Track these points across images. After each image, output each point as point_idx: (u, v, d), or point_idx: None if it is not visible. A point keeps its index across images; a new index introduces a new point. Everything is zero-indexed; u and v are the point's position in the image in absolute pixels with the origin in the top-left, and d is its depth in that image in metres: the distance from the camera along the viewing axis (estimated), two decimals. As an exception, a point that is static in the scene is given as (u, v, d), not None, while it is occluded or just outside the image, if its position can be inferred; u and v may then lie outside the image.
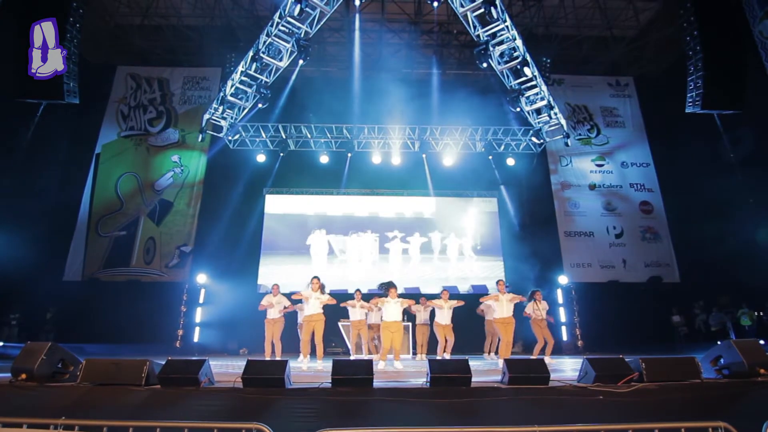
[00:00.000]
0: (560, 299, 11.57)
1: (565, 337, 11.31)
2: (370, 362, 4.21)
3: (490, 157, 12.63)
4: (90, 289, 11.21)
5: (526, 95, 10.52)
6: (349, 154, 12.57)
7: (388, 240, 12.45)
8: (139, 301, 10.91)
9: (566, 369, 6.40)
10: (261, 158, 12.36)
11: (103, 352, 7.82)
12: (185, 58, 13.25)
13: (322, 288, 6.82)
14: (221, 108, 10.91)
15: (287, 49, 9.89)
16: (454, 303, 7.66)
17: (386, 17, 12.50)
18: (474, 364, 4.73)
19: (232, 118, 11.23)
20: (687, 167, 12.08)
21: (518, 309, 7.48)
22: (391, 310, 6.93)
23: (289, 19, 9.27)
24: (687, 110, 10.50)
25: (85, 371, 4.06)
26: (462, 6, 9.23)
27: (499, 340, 7.67)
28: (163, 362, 4.11)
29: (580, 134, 13.33)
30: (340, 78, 14.04)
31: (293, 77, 10.99)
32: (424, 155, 12.65)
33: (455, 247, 12.55)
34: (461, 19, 9.63)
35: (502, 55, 9.85)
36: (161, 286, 11.45)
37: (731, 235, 10.60)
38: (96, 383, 3.98)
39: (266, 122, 12.06)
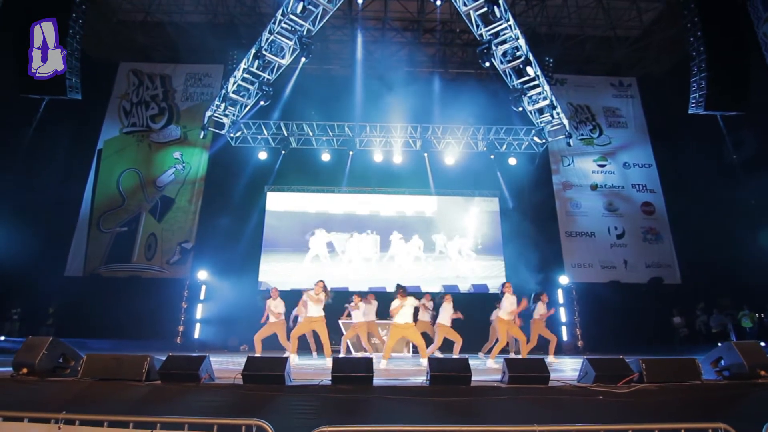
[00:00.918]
0: (561, 299, 11.57)
1: (565, 337, 11.31)
2: (370, 360, 4.21)
3: (492, 157, 12.61)
4: (91, 285, 11.23)
5: (528, 95, 10.50)
6: (351, 153, 12.57)
7: (388, 238, 12.44)
8: (140, 297, 10.92)
9: (566, 369, 6.39)
10: (262, 156, 12.36)
11: (103, 347, 7.83)
12: (187, 54, 13.24)
13: (324, 289, 6.93)
14: (223, 105, 10.91)
15: (290, 47, 9.89)
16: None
17: (389, 15, 12.47)
18: (474, 363, 4.73)
19: (234, 115, 11.23)
20: (689, 168, 12.06)
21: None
22: (404, 312, 6.91)
23: (291, 16, 9.26)
24: (690, 111, 10.47)
25: (86, 366, 4.07)
26: (465, 5, 9.21)
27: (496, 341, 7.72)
28: (164, 358, 4.12)
29: (582, 134, 13.31)
30: (342, 76, 14.02)
31: (295, 75, 10.97)
32: (425, 154, 12.63)
33: (456, 246, 12.54)
34: (464, 17, 9.61)
35: (504, 54, 9.83)
36: (162, 282, 11.47)
37: (733, 237, 10.57)
38: (97, 378, 4.00)
39: (268, 120, 12.06)
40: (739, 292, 10.92)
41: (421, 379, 4.54)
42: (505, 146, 12.61)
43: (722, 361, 4.38)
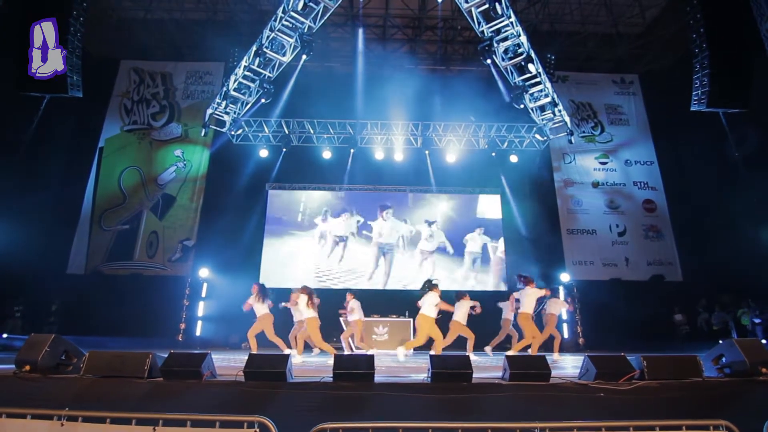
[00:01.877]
0: (562, 297, 11.55)
1: (566, 335, 11.31)
2: (371, 357, 4.22)
3: (494, 154, 12.59)
4: (93, 283, 11.26)
5: (530, 92, 10.47)
6: (352, 150, 12.56)
7: (387, 236, 12.44)
8: (142, 294, 10.96)
9: (567, 366, 6.40)
10: (264, 153, 12.36)
11: (105, 344, 7.86)
12: (188, 52, 13.24)
13: (310, 295, 7.11)
14: (224, 103, 10.90)
15: (290, 44, 9.87)
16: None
17: (390, 12, 12.44)
18: (475, 359, 4.74)
19: (235, 113, 11.23)
20: (691, 166, 12.03)
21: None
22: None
23: (292, 13, 9.24)
24: (692, 108, 10.41)
25: (89, 363, 4.08)
26: (466, 2, 9.18)
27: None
28: (166, 355, 4.14)
29: (584, 132, 13.27)
30: (343, 73, 13.99)
31: (296, 72, 10.96)
32: (427, 152, 12.62)
33: (457, 243, 12.53)
34: (465, 14, 9.58)
35: (506, 51, 9.80)
36: (164, 279, 11.50)
37: (735, 235, 10.55)
38: (99, 375, 4.01)
39: (269, 117, 12.06)
40: (740, 289, 10.89)
41: (423, 376, 4.55)
42: (506, 144, 12.58)
43: (723, 359, 4.37)
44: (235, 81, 10.42)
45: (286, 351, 7.07)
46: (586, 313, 11.29)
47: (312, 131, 12.46)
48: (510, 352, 7.52)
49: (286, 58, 10.15)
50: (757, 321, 10.40)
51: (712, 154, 11.50)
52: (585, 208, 12.65)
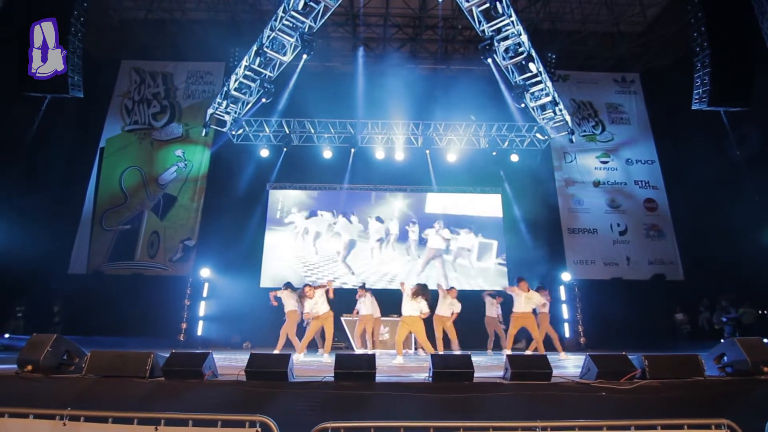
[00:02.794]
0: (563, 296, 11.57)
1: (567, 334, 11.32)
2: (372, 356, 4.22)
3: (494, 154, 12.58)
4: (94, 283, 11.27)
5: (530, 91, 10.46)
6: (353, 150, 12.56)
7: (389, 235, 12.44)
8: (143, 294, 10.98)
9: (568, 365, 6.39)
10: (264, 153, 12.37)
11: (107, 344, 7.88)
12: (189, 52, 13.23)
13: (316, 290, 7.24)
14: (225, 102, 10.91)
15: (291, 44, 9.87)
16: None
17: (390, 12, 12.43)
18: (477, 360, 4.73)
19: (235, 112, 11.23)
20: (692, 165, 11.98)
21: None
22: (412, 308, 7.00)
23: (293, 13, 9.24)
24: (693, 107, 10.39)
25: (90, 363, 4.09)
26: (467, 1, 9.17)
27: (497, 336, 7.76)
28: (167, 355, 4.14)
29: (584, 131, 13.25)
30: (343, 73, 14.00)
31: (297, 72, 10.96)
32: (427, 151, 12.62)
33: (457, 242, 12.52)
34: (466, 14, 9.57)
35: (507, 50, 9.79)
36: (165, 279, 11.51)
37: (736, 234, 10.53)
38: (101, 375, 4.01)
39: (270, 117, 12.06)
40: (742, 288, 10.87)
41: (424, 376, 4.55)
42: (507, 143, 12.58)
43: (725, 358, 4.36)
44: (235, 81, 10.42)
45: (301, 353, 7.12)
46: (587, 313, 11.29)
47: (312, 131, 12.46)
48: (510, 352, 7.54)
49: (287, 58, 10.15)
50: (724, 320, 10.44)
51: (713, 153, 11.48)
52: (586, 208, 12.64)
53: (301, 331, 7.79)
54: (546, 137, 12.02)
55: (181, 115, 12.98)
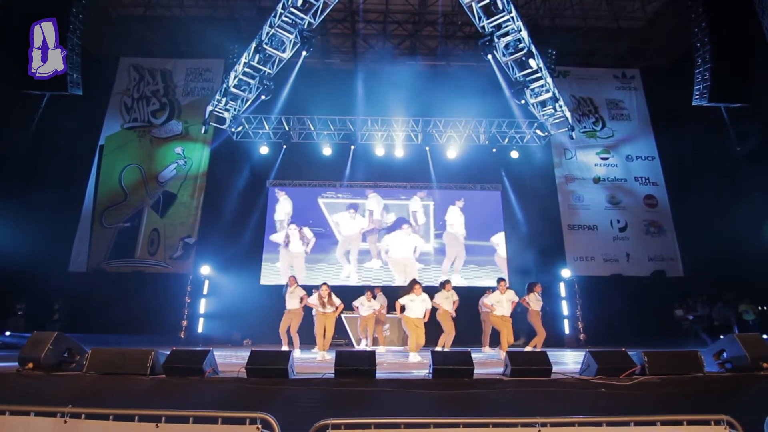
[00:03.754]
0: (563, 292, 11.58)
1: (567, 331, 11.34)
2: (373, 353, 4.23)
3: (494, 150, 12.56)
4: (95, 280, 11.29)
5: (530, 87, 10.43)
6: (353, 147, 12.54)
7: (389, 232, 12.44)
8: (144, 292, 10.98)
9: (568, 362, 6.41)
10: (264, 150, 12.35)
11: (107, 342, 7.91)
12: (188, 49, 13.19)
13: (330, 294, 7.31)
14: (224, 99, 10.88)
15: (290, 41, 9.83)
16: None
17: (390, 8, 12.38)
18: (476, 356, 4.75)
19: (235, 109, 11.21)
20: (692, 161, 11.98)
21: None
22: (416, 308, 7.01)
23: (292, 9, 9.20)
24: (694, 103, 10.38)
25: (91, 360, 4.10)
26: (467, -4, 9.13)
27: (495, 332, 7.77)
28: (168, 352, 4.15)
29: (584, 127, 13.23)
30: (343, 69, 13.97)
31: (296, 69, 10.93)
32: (427, 148, 12.59)
33: (457, 239, 12.52)
34: (466, 9, 9.52)
35: (507, 46, 9.75)
36: (165, 277, 11.52)
37: (736, 230, 10.53)
38: (102, 372, 4.03)
39: (269, 114, 12.03)
40: (742, 284, 10.89)
41: (424, 372, 4.56)
42: (507, 139, 12.56)
43: (725, 354, 4.38)
44: (235, 78, 10.39)
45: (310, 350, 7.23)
46: (587, 309, 11.30)
47: (312, 128, 12.43)
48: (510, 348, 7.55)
49: (286, 55, 10.11)
50: (690, 318, 10.48)
51: (713, 149, 11.48)
52: (586, 204, 12.63)
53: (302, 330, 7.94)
54: (546, 134, 11.99)
55: (180, 113, 12.95)
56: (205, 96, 12.70)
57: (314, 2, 9.24)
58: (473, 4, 9.18)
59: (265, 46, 9.71)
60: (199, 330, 11.04)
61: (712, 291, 11.36)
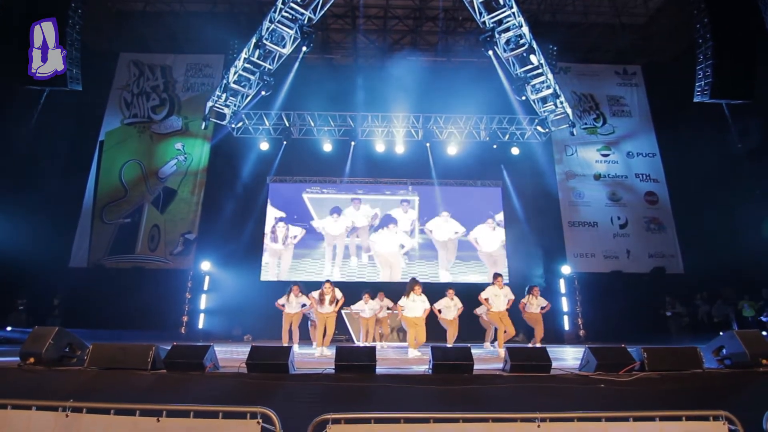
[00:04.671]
0: (563, 289, 11.60)
1: (567, 327, 11.37)
2: (373, 349, 4.25)
3: (495, 146, 12.54)
4: (96, 276, 11.30)
5: (531, 83, 10.40)
6: (353, 143, 12.51)
7: (388, 230, 12.44)
8: (144, 288, 10.99)
9: (568, 358, 6.43)
10: (264, 146, 12.33)
11: (108, 338, 7.93)
12: (188, 44, 13.14)
13: (334, 290, 7.28)
14: (224, 95, 10.85)
15: (290, 36, 9.79)
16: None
17: (390, 3, 12.32)
18: (476, 352, 4.76)
19: (235, 105, 11.18)
20: (694, 158, 11.95)
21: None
22: (416, 307, 7.04)
23: (292, 4, 9.16)
24: (695, 99, 10.34)
25: (92, 356, 4.12)
26: (468, -8, 9.09)
27: (495, 330, 7.77)
28: (169, 347, 4.16)
29: (585, 123, 13.19)
30: (343, 65, 13.92)
31: (296, 64, 10.90)
32: (427, 144, 12.56)
33: (457, 236, 12.53)
34: (467, 5, 9.49)
35: (507, 42, 9.71)
36: (166, 273, 11.53)
37: (737, 227, 10.53)
38: (103, 367, 4.04)
39: (269, 110, 12.01)
40: (741, 281, 10.90)
41: (424, 368, 4.58)
42: (507, 136, 12.53)
43: (724, 350, 4.39)
44: (235, 73, 10.36)
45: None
46: (587, 305, 11.32)
47: (312, 124, 12.41)
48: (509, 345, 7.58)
49: (286, 50, 10.07)
50: (668, 314, 10.50)
51: (714, 146, 11.45)
52: (586, 201, 12.61)
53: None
54: (547, 130, 11.97)
55: (180, 108, 12.92)
56: (205, 92, 12.66)
57: (314, -3, 9.20)
58: (474, -1, 9.14)
59: (265, 41, 9.67)
60: (200, 325, 11.08)
61: (712, 288, 11.38)
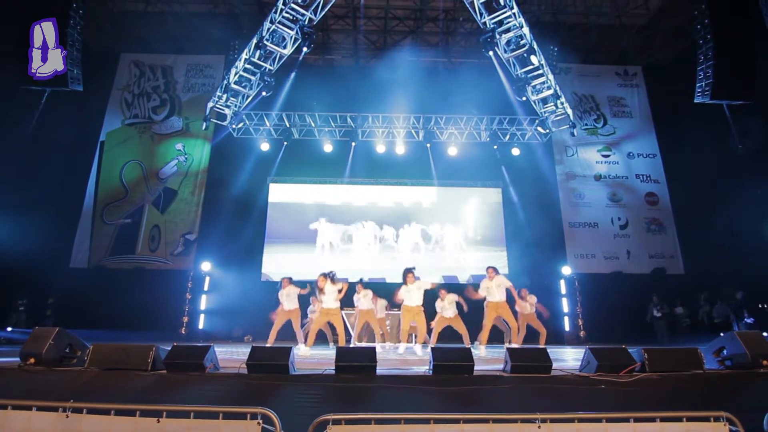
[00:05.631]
0: (563, 290, 11.59)
1: (567, 328, 11.35)
2: (373, 350, 4.24)
3: (495, 147, 12.53)
4: (96, 277, 11.29)
5: (532, 84, 10.40)
6: (353, 144, 12.52)
7: (389, 229, 12.45)
8: (145, 288, 11.00)
9: (568, 358, 6.42)
10: (265, 147, 12.33)
11: (109, 338, 7.93)
12: (189, 45, 13.15)
13: (332, 279, 6.94)
14: (225, 96, 10.86)
15: (291, 37, 9.80)
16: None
17: (391, 4, 12.33)
18: (476, 352, 4.75)
19: (235, 106, 11.19)
20: (694, 158, 11.94)
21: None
22: (413, 296, 6.96)
23: (293, 5, 9.17)
24: (696, 100, 10.34)
25: (93, 356, 4.12)
26: (468, -7, 9.09)
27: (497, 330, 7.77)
28: (169, 348, 4.16)
29: (586, 124, 13.19)
30: (344, 66, 13.92)
31: (297, 65, 10.90)
32: (428, 145, 12.56)
33: (458, 236, 12.53)
34: (467, 6, 9.49)
35: (508, 43, 9.72)
36: (166, 273, 11.53)
37: (737, 228, 10.51)
38: (103, 368, 4.04)
39: (270, 110, 12.01)
40: (742, 282, 10.87)
41: (424, 369, 4.57)
42: (508, 136, 12.53)
43: (725, 351, 4.38)
44: (235, 74, 10.37)
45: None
46: (587, 306, 11.31)
47: (313, 124, 12.41)
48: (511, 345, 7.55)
49: (287, 51, 10.08)
50: (657, 315, 10.47)
51: (715, 146, 11.43)
52: (587, 201, 12.61)
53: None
54: (547, 131, 11.97)
55: (181, 109, 12.93)
56: (206, 92, 12.67)
57: (315, -2, 9.21)
58: (475, 0, 9.14)
59: (265, 42, 9.68)
60: (200, 326, 11.07)
61: (712, 288, 11.36)
